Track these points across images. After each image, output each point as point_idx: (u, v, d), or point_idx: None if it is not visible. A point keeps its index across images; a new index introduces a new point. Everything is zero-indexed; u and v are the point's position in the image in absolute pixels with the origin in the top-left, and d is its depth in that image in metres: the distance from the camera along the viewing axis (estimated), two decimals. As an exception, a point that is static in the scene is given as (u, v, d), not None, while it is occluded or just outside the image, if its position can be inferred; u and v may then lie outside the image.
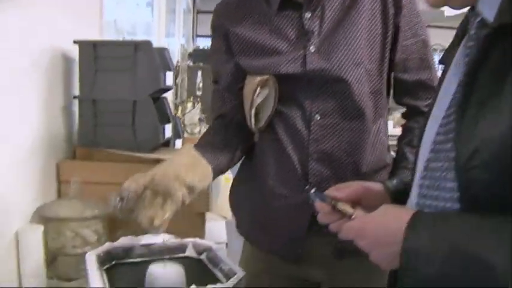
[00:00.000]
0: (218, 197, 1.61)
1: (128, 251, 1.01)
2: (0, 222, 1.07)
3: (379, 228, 0.65)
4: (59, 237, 1.19)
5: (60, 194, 1.39)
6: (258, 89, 1.01)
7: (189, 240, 1.07)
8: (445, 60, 0.76)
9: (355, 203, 0.77)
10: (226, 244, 1.60)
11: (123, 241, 1.03)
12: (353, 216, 0.72)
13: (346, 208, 0.74)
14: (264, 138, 1.09)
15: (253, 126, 1.06)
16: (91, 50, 1.39)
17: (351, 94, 1.00)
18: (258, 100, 1.02)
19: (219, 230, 1.71)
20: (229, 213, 1.85)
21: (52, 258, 1.24)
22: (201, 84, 4.30)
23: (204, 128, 3.45)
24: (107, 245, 1.00)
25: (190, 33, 7.64)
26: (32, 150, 1.25)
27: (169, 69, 1.49)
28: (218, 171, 1.07)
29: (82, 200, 1.26)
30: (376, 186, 0.82)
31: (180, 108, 3.38)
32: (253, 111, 1.04)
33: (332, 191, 0.78)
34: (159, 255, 1.04)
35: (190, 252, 1.06)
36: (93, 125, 1.42)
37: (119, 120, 1.41)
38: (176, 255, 1.05)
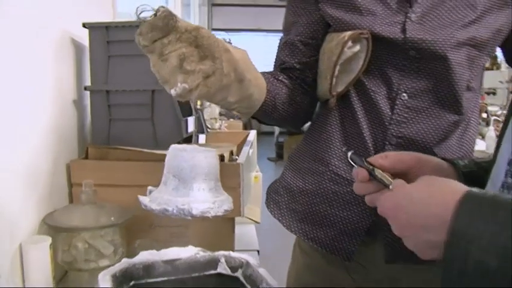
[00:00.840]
0: (248, 200, 1.44)
1: (148, 268, 0.84)
2: (1, 233, 0.91)
3: (420, 205, 0.54)
4: (69, 249, 1.03)
5: (72, 199, 1.23)
6: (350, 42, 0.86)
7: (221, 253, 0.90)
8: None
9: (402, 174, 0.66)
10: (258, 251, 1.43)
11: (143, 256, 0.86)
12: (391, 187, 0.61)
13: (384, 176, 0.64)
14: (334, 110, 0.94)
15: (329, 90, 0.90)
16: (103, 34, 1.22)
17: (449, 76, 0.85)
18: (348, 53, 0.86)
19: (249, 236, 1.54)
20: (259, 217, 1.68)
21: (62, 274, 1.09)
22: (220, 78, 4.15)
23: (224, 123, 3.30)
24: (124, 262, 0.83)
25: (206, 26, 7.54)
26: (38, 150, 1.09)
27: (192, 55, 1.31)
28: (271, 101, 0.91)
29: (95, 206, 1.09)
30: (435, 159, 0.71)
31: (199, 102, 3.22)
32: (337, 68, 0.87)
33: (377, 158, 0.68)
34: (185, 272, 0.87)
35: (222, 268, 0.89)
36: (107, 120, 1.26)
37: (137, 114, 1.24)
38: (206, 273, 0.88)
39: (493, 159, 0.63)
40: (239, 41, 7.03)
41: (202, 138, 1.58)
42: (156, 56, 0.69)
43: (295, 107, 0.97)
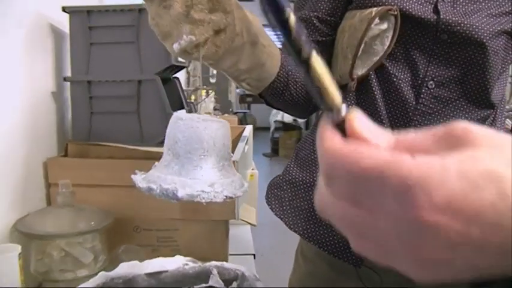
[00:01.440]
0: (243, 200, 1.34)
1: (129, 283, 0.73)
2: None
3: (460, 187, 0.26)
4: (43, 258, 0.92)
5: (50, 201, 1.11)
6: (377, 19, 0.76)
7: (213, 264, 0.80)
8: None
9: None
10: (254, 255, 1.33)
11: (123, 269, 0.75)
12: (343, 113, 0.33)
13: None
14: (350, 97, 0.84)
15: (349, 72, 0.80)
16: (84, 19, 1.11)
17: (483, 65, 0.76)
18: (375, 30, 0.77)
19: (244, 238, 1.44)
20: (254, 219, 1.57)
21: (36, 286, 0.97)
22: (214, 71, 4.06)
23: (218, 118, 3.20)
24: (101, 276, 0.72)
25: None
26: (12, 147, 0.98)
27: (182, 43, 1.20)
28: (283, 77, 0.81)
29: (73, 209, 0.98)
30: None
31: (193, 96, 3.14)
32: (361, 47, 0.77)
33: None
34: (172, 287, 0.77)
35: (215, 281, 0.78)
36: (88, 113, 1.14)
37: (121, 107, 1.13)
38: (196, 287, 0.78)
39: None
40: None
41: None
42: (157, 4, 0.58)
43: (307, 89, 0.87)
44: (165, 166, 0.65)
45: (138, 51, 1.10)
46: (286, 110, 0.90)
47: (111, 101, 1.13)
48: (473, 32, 0.74)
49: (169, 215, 1.11)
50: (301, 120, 6.62)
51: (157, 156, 0.97)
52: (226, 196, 0.64)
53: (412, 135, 0.30)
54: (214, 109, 3.34)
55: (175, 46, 0.59)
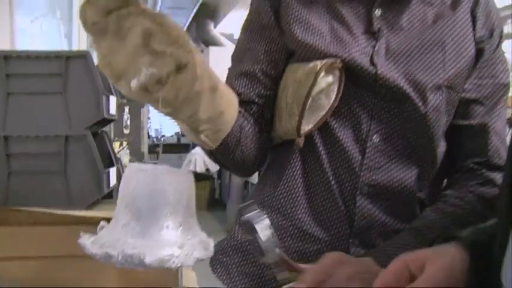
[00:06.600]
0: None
1: None
2: None
3: None
4: None
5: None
6: (323, 73, 0.73)
7: None
8: None
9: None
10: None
11: None
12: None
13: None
14: (295, 154, 0.80)
15: (297, 128, 0.76)
16: (1, 65, 0.98)
17: (423, 121, 0.76)
18: (322, 84, 0.74)
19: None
20: (197, 286, 1.45)
21: None
22: (128, 122, 3.92)
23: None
24: None
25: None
26: None
27: (112, 93, 1.11)
28: (237, 132, 0.76)
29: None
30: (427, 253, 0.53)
31: (116, 147, 3.01)
32: (309, 101, 0.74)
33: None
34: None
35: None
36: (4, 174, 1.00)
37: (45, 165, 1.00)
38: None
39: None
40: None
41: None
42: (110, 37, 0.51)
43: (256, 145, 0.81)
44: (123, 226, 0.56)
45: (65, 103, 0.99)
46: (234, 168, 0.84)
47: (33, 159, 1.00)
48: (408, 90, 0.74)
49: (103, 285, 0.98)
50: (214, 170, 6.53)
51: (91, 221, 0.85)
52: (197, 258, 0.57)
53: None
54: (130, 161, 3.19)
55: (133, 83, 0.52)
